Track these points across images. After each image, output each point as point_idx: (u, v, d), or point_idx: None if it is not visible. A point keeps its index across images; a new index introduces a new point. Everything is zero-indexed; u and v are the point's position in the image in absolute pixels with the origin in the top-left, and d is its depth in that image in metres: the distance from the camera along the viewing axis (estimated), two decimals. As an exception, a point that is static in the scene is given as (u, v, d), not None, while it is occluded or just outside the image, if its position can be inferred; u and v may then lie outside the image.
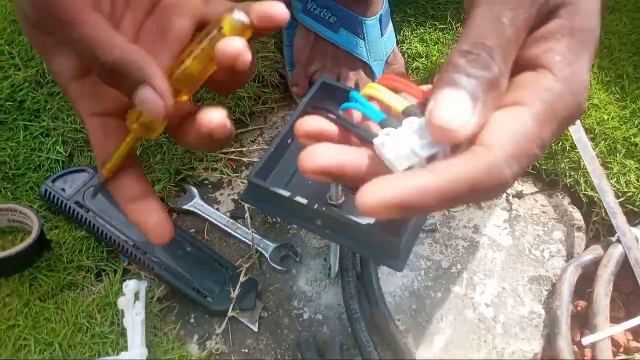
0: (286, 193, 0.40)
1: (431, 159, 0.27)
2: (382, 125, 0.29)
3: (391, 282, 0.57)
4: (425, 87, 0.31)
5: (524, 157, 0.26)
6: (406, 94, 0.31)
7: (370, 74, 0.67)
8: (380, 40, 0.67)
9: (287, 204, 0.41)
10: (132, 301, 0.51)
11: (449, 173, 0.25)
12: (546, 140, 0.27)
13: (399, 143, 0.27)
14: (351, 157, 0.28)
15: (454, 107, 0.25)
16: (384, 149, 0.28)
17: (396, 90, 0.31)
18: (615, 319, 0.57)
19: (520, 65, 0.29)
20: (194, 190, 0.62)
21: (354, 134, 0.30)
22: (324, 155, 0.28)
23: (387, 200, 0.25)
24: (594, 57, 0.30)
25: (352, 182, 0.29)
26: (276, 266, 0.57)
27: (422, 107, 0.29)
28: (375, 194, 0.25)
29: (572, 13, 0.29)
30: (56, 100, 0.62)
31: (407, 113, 0.29)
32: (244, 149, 0.67)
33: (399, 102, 0.30)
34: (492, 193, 0.26)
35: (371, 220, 0.40)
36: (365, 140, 0.29)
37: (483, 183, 0.25)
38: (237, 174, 0.65)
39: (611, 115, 0.66)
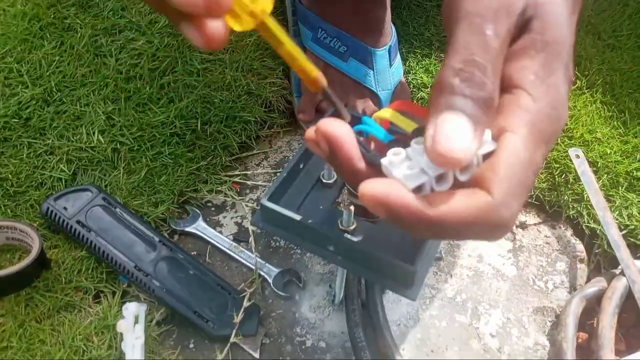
0: (300, 217, 0.40)
1: (441, 177, 0.27)
2: (390, 145, 0.29)
3: (395, 311, 0.56)
4: None
5: (523, 190, 0.26)
6: (418, 117, 0.31)
7: (378, 103, 0.67)
8: (388, 70, 0.68)
9: (300, 229, 0.41)
10: (132, 324, 0.50)
11: (442, 209, 0.25)
12: (540, 163, 0.27)
13: (407, 163, 0.27)
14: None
15: (456, 132, 0.25)
16: (393, 168, 0.27)
17: (406, 114, 0.31)
18: (616, 352, 0.56)
19: None
20: (197, 212, 0.62)
21: (364, 154, 0.29)
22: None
23: (378, 196, 0.25)
24: (571, 67, 0.29)
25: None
26: (279, 292, 0.56)
27: None
28: (371, 187, 0.25)
29: (543, 26, 0.28)
30: (62, 119, 0.62)
31: (415, 134, 0.29)
32: (249, 172, 0.67)
33: (407, 124, 0.30)
34: (492, 234, 0.26)
35: (386, 248, 0.40)
36: (374, 162, 0.28)
37: (478, 224, 0.25)
38: (241, 197, 0.64)
39: (614, 149, 0.67)
